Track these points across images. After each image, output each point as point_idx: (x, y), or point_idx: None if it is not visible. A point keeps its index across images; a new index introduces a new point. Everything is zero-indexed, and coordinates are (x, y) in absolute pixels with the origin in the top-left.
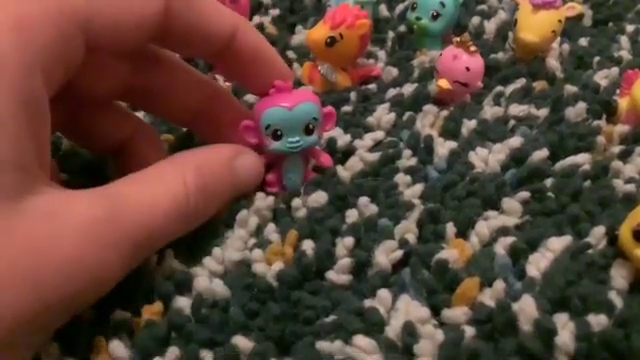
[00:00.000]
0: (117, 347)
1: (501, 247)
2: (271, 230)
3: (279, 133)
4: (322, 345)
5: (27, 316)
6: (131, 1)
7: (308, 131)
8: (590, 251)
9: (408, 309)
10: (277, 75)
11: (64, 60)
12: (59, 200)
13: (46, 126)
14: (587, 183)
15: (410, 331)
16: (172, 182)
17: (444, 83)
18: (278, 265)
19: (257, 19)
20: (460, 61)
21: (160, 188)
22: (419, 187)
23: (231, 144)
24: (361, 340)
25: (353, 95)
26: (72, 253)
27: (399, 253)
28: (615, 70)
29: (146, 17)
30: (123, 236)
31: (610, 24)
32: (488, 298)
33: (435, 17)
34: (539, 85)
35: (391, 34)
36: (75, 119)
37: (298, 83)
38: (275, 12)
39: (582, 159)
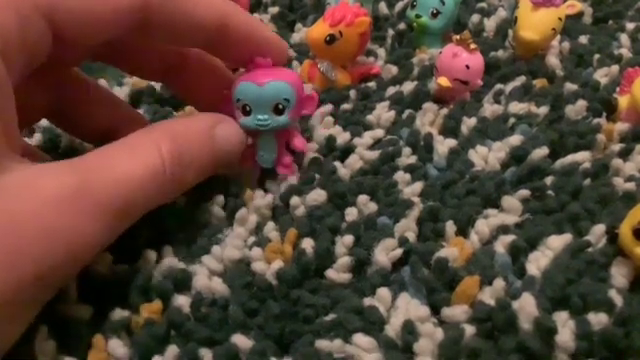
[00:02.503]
0: (116, 346)
1: (501, 245)
2: (270, 228)
3: (248, 109)
4: (321, 344)
5: (8, 292)
6: None
7: (277, 111)
8: (590, 249)
9: (408, 307)
10: (270, 52)
11: (24, 43)
12: (29, 174)
13: (10, 103)
14: (587, 181)
15: (410, 329)
16: (147, 151)
17: (444, 81)
18: (277, 263)
19: (256, 17)
20: (460, 59)
21: (134, 157)
22: (419, 185)
23: (211, 113)
24: (361, 339)
25: (353, 93)
26: (46, 225)
27: (399, 251)
28: (615, 68)
29: (121, 9)
30: (97, 204)
31: (610, 22)
32: (488, 296)
33: (435, 15)
34: (539, 83)
35: (391, 32)
36: (61, 106)
37: None
38: (274, 10)
39: (582, 157)
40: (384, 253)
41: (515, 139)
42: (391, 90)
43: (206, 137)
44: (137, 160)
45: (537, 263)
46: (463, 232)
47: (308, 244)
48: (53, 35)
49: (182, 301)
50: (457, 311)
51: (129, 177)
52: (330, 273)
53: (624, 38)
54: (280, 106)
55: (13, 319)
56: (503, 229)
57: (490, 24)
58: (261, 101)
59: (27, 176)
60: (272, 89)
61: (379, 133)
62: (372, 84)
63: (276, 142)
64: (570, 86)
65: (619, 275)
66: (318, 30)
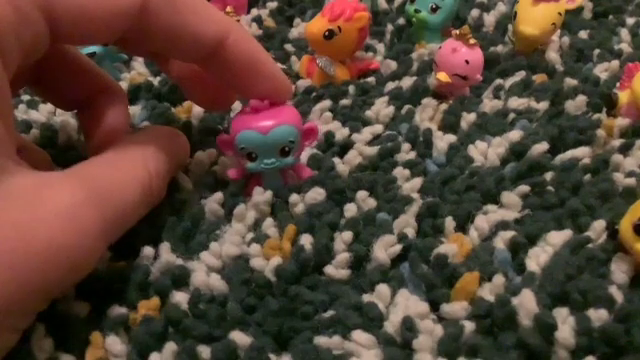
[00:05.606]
0: (114, 343)
1: (501, 241)
2: (269, 224)
3: (253, 155)
4: (320, 340)
5: (8, 301)
6: None
7: (284, 153)
8: (590, 245)
9: (407, 304)
10: (272, 88)
11: (22, 41)
12: (37, 182)
13: (8, 104)
14: (587, 177)
15: (409, 326)
16: (138, 168)
17: (443, 76)
18: (276, 260)
19: (255, 12)
20: (459, 54)
21: (128, 174)
22: (418, 181)
23: (168, 127)
24: (360, 335)
25: (352, 88)
26: (54, 237)
27: (398, 247)
28: (615, 63)
29: (117, 12)
30: (101, 219)
31: (610, 17)
32: (487, 293)
33: (434, 10)
34: (539, 78)
35: (390, 27)
36: (41, 76)
37: (296, 77)
38: (273, 5)
39: (582, 152)
40: (383, 249)
41: (515, 134)
42: (390, 85)
43: (171, 150)
44: (131, 176)
45: (537, 259)
46: (462, 228)
47: (307, 240)
48: (50, 32)
49: (180, 298)
50: (456, 307)
51: (125, 192)
52: (329, 269)
53: (624, 33)
54: (286, 148)
55: (12, 328)
56: (503, 225)
57: (490, 19)
58: (267, 148)
59: (33, 185)
60: (277, 135)
61: (378, 129)
62: (371, 79)
63: (281, 174)
64: (570, 81)
65: (619, 271)
66: (317, 25)
